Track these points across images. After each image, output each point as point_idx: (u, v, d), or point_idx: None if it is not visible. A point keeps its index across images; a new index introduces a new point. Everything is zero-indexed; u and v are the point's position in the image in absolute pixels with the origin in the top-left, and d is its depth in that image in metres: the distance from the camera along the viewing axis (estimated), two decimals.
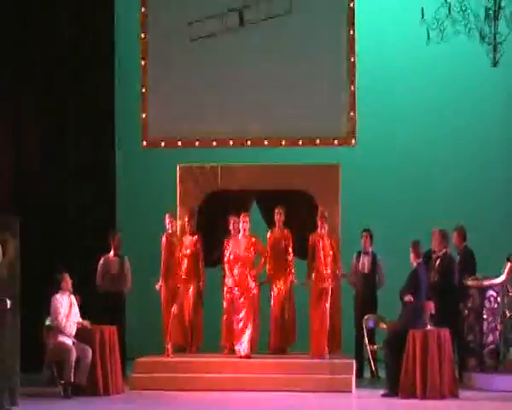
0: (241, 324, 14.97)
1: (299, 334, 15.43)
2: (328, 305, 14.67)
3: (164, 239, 15.20)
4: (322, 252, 14.77)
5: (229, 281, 15.29)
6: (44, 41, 17.11)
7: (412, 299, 13.79)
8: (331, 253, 14.84)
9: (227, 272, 15.27)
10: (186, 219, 15.84)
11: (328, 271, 14.73)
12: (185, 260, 15.68)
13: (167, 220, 15.38)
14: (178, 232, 15.75)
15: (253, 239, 15.25)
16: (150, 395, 13.98)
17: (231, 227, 15.38)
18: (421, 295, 13.97)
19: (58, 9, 17.19)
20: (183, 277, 15.60)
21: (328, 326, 14.66)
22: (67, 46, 17.19)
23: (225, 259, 15.30)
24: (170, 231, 15.38)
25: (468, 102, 17.03)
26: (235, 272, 15.13)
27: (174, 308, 15.05)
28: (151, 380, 14.49)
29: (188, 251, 15.65)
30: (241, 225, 15.16)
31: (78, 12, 17.23)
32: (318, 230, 14.88)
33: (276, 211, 15.58)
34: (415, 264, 13.98)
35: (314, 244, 14.90)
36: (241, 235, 15.15)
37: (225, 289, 15.44)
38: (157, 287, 15.11)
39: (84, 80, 17.13)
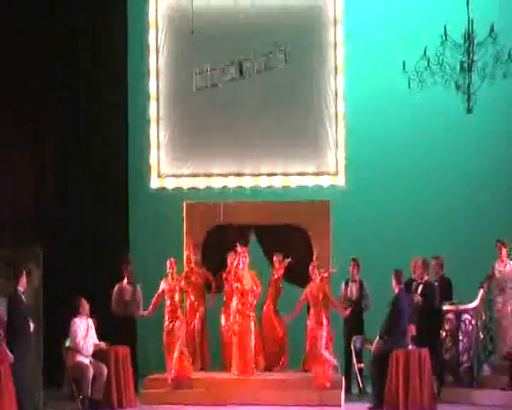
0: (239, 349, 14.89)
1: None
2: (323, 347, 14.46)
3: (165, 284, 14.91)
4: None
5: (230, 310, 15.13)
6: (68, 82, 17.09)
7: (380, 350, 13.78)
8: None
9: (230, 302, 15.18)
10: (193, 253, 15.75)
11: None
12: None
13: (168, 265, 15.08)
14: (184, 263, 15.65)
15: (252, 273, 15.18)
16: (159, 409, 14.02)
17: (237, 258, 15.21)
18: (404, 319, 13.90)
19: (80, 51, 17.23)
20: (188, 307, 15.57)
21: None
22: (87, 96, 17.24)
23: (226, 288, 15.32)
24: (169, 277, 15.04)
25: (446, 143, 16.90)
26: (235, 302, 15.00)
27: (177, 346, 14.62)
28: (160, 395, 14.42)
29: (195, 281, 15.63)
30: (241, 258, 15.06)
31: (96, 60, 17.23)
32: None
33: (275, 258, 15.65)
34: (396, 290, 13.92)
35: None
36: (240, 267, 15.05)
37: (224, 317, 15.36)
38: (144, 314, 15.01)
39: (101, 126, 17.15)
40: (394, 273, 13.95)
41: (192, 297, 15.60)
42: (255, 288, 15.06)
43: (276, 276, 15.67)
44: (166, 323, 14.67)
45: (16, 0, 16.71)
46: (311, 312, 14.72)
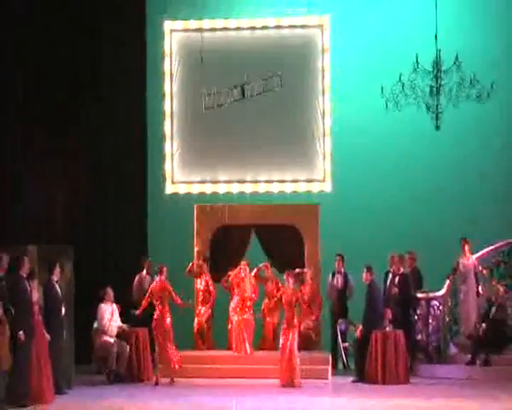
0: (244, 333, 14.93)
1: None
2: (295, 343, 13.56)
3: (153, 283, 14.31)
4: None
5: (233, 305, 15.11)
6: (94, 104, 17.01)
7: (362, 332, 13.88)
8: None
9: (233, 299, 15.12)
10: (201, 263, 15.62)
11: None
12: (200, 293, 15.48)
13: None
14: (195, 269, 15.59)
15: (253, 281, 15.17)
16: (174, 382, 13.96)
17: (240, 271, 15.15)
18: (379, 305, 14.09)
19: (105, 77, 17.13)
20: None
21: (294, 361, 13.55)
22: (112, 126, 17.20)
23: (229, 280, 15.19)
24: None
25: (418, 156, 16.78)
26: (236, 299, 15.00)
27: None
28: (174, 370, 14.08)
29: (201, 287, 15.51)
30: (242, 271, 15.07)
31: (119, 85, 17.11)
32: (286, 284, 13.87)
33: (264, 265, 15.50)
34: (368, 282, 14.03)
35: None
36: (243, 274, 15.09)
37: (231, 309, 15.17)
38: (135, 313, 14.26)
39: (124, 140, 17.10)
40: (366, 268, 14.08)
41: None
42: (253, 295, 15.11)
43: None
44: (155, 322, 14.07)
45: (42, 39, 16.68)
46: (285, 314, 13.75)
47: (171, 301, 14.12)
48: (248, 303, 15.10)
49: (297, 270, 14.64)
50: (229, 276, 15.31)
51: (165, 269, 14.16)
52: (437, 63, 14.33)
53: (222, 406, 12.00)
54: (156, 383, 13.80)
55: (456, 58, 14.18)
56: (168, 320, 13.98)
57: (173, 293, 14.09)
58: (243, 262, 15.27)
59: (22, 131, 16.67)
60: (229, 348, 15.21)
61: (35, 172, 16.58)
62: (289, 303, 13.63)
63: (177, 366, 13.98)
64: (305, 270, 15.31)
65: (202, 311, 15.51)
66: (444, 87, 14.39)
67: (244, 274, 15.17)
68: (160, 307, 14.01)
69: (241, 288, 15.12)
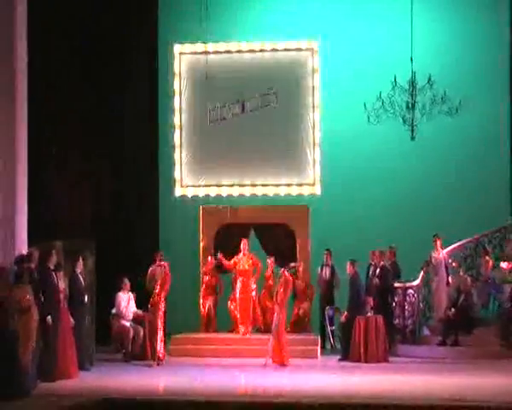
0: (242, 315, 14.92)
1: None
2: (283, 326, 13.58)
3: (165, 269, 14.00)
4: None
5: (236, 285, 15.13)
6: (115, 119, 17.07)
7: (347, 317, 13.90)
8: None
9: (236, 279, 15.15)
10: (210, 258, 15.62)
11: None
12: (207, 277, 15.54)
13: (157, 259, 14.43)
14: (201, 252, 15.60)
15: (252, 256, 15.23)
16: (183, 360, 14.05)
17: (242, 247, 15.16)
18: (362, 293, 14.13)
19: (125, 94, 17.15)
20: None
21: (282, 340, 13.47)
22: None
23: (235, 269, 15.15)
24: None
25: (396, 162, 16.76)
26: (240, 279, 15.06)
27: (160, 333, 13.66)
28: (184, 350, 14.51)
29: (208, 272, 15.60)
30: (242, 246, 15.16)
31: (136, 101, 17.20)
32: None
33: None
34: (351, 274, 14.07)
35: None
36: (241, 254, 15.16)
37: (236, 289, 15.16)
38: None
39: (139, 150, 17.19)
40: (350, 262, 14.12)
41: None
42: (252, 266, 15.02)
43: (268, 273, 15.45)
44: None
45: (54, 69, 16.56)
46: (278, 301, 13.59)
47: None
48: (243, 279, 14.96)
49: (292, 264, 14.60)
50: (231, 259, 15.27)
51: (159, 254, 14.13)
52: (412, 82, 14.37)
53: (223, 381, 12.03)
54: (157, 363, 13.44)
55: (429, 78, 14.24)
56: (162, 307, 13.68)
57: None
58: (244, 240, 15.17)
59: (57, 145, 16.69)
60: (233, 330, 15.19)
61: (64, 179, 16.57)
62: (277, 293, 13.63)
63: (155, 362, 13.42)
64: (298, 263, 15.32)
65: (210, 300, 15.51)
66: (418, 103, 14.43)
67: (243, 250, 15.05)
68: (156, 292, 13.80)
69: (239, 263, 15.05)
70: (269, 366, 13.28)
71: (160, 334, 13.62)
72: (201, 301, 15.60)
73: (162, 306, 13.72)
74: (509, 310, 14.23)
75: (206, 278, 15.68)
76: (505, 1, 16.57)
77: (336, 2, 17.18)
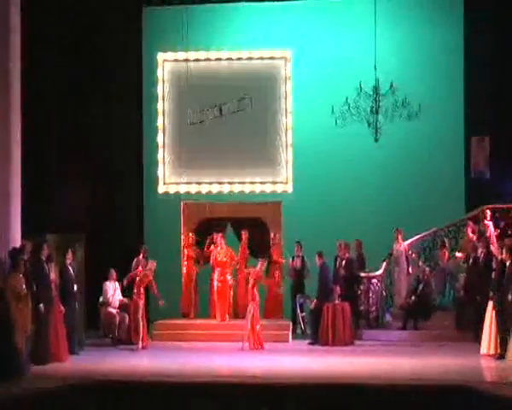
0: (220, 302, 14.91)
1: None
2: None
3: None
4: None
5: (214, 276, 15.14)
6: (103, 125, 17.02)
7: (316, 305, 13.92)
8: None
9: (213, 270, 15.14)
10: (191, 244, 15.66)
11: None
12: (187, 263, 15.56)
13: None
14: (182, 244, 15.63)
15: (229, 249, 15.22)
16: (165, 345, 14.04)
17: (216, 240, 15.20)
18: (329, 282, 14.17)
19: (113, 100, 16.98)
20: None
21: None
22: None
23: (212, 261, 15.18)
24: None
25: (361, 162, 16.61)
26: (218, 269, 15.08)
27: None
28: (166, 335, 14.48)
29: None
30: (219, 240, 15.18)
31: (123, 105, 17.01)
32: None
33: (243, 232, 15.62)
34: (319, 265, 14.13)
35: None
36: (219, 247, 15.17)
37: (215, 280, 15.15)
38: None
39: (126, 151, 17.08)
40: (318, 254, 14.18)
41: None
42: (229, 259, 15.06)
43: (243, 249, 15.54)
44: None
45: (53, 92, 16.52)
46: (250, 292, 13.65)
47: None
48: (220, 270, 14.94)
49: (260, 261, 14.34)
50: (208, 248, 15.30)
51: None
52: (376, 88, 14.41)
53: (202, 363, 12.09)
54: (142, 347, 13.49)
55: (391, 84, 14.28)
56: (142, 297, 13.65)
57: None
58: (220, 234, 15.14)
59: (51, 143, 16.63)
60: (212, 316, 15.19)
61: (56, 178, 16.50)
62: (257, 282, 13.74)
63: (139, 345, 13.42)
64: (265, 260, 14.70)
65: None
66: (381, 108, 14.47)
67: (219, 243, 15.02)
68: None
69: (215, 255, 15.03)
70: (245, 350, 13.31)
71: (143, 320, 13.63)
72: (183, 288, 15.57)
73: (142, 296, 13.67)
74: (463, 297, 14.35)
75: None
76: (460, 15, 16.59)
77: (307, 15, 17.12)
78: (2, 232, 11.86)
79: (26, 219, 12.47)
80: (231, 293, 15.25)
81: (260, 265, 13.92)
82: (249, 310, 13.52)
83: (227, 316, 15.07)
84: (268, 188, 17.16)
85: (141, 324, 13.56)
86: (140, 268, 13.96)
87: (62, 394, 9.86)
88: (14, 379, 10.36)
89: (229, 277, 15.16)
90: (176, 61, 17.37)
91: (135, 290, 13.72)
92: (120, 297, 14.32)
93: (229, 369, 11.90)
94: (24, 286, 11.01)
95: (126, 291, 14.26)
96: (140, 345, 13.49)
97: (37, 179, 15.38)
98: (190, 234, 15.81)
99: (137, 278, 13.76)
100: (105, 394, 10.01)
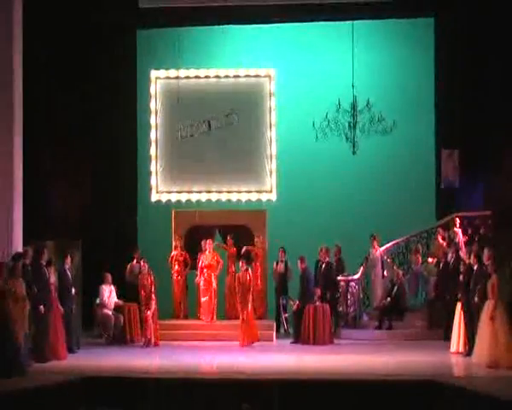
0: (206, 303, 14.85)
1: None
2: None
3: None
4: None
5: (200, 279, 15.00)
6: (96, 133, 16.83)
7: (298, 306, 13.91)
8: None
9: (200, 274, 15.01)
10: (179, 250, 15.48)
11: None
12: (176, 266, 15.44)
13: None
14: (172, 249, 15.43)
15: (215, 254, 15.16)
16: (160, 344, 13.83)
17: (204, 246, 15.16)
18: (311, 285, 14.16)
19: (108, 114, 16.78)
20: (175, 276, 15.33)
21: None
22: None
23: (199, 265, 15.09)
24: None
25: (340, 173, 16.65)
26: (205, 272, 14.97)
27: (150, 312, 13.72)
28: (160, 335, 14.05)
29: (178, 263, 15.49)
30: (207, 246, 15.13)
31: (119, 120, 16.79)
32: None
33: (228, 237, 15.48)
34: (302, 269, 14.14)
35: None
36: (207, 252, 15.11)
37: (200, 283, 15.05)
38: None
39: (120, 162, 16.93)
40: (300, 258, 14.21)
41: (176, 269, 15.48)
42: (216, 263, 14.99)
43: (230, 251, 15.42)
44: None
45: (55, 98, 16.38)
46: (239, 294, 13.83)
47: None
48: (207, 272, 14.88)
49: (244, 248, 14.55)
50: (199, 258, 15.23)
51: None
52: (354, 105, 14.48)
53: (196, 361, 12.08)
54: (145, 345, 13.60)
55: (368, 102, 14.36)
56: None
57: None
58: (208, 240, 15.13)
59: (49, 154, 16.50)
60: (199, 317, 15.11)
61: (55, 187, 16.40)
62: (239, 285, 13.73)
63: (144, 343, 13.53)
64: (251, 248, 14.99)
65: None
66: (359, 123, 14.54)
67: (208, 248, 14.98)
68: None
69: (202, 259, 14.97)
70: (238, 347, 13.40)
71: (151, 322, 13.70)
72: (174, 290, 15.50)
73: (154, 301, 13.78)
74: (434, 299, 14.41)
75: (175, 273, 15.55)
76: (430, 38, 16.74)
77: (289, 36, 17.19)
78: (5, 239, 11.88)
79: (26, 226, 12.43)
80: (216, 295, 15.17)
81: (241, 265, 13.92)
82: (241, 313, 13.58)
83: (213, 317, 15.01)
84: (253, 196, 17.19)
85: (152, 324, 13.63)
86: (143, 281, 13.90)
87: (61, 389, 9.87)
88: (17, 376, 10.34)
89: (214, 280, 15.09)
90: (168, 78, 17.35)
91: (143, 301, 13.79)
92: (115, 299, 14.30)
93: (218, 366, 11.90)
94: (22, 288, 10.98)
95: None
96: (152, 342, 13.54)
97: (35, 188, 15.34)
98: (179, 238, 15.75)
99: (142, 291, 13.84)
100: (101, 389, 10.03)
